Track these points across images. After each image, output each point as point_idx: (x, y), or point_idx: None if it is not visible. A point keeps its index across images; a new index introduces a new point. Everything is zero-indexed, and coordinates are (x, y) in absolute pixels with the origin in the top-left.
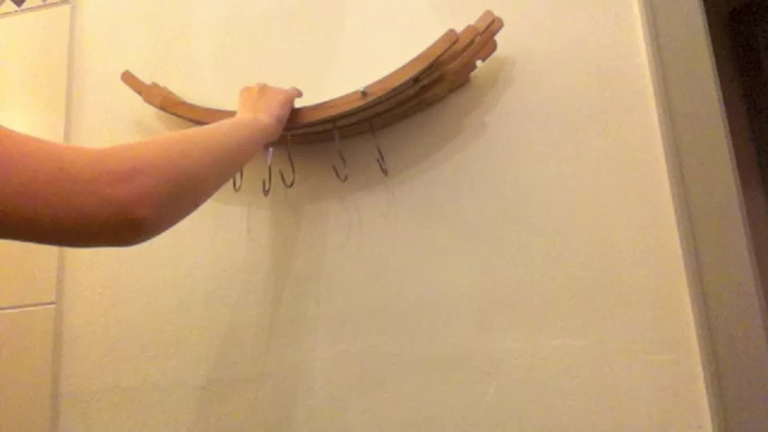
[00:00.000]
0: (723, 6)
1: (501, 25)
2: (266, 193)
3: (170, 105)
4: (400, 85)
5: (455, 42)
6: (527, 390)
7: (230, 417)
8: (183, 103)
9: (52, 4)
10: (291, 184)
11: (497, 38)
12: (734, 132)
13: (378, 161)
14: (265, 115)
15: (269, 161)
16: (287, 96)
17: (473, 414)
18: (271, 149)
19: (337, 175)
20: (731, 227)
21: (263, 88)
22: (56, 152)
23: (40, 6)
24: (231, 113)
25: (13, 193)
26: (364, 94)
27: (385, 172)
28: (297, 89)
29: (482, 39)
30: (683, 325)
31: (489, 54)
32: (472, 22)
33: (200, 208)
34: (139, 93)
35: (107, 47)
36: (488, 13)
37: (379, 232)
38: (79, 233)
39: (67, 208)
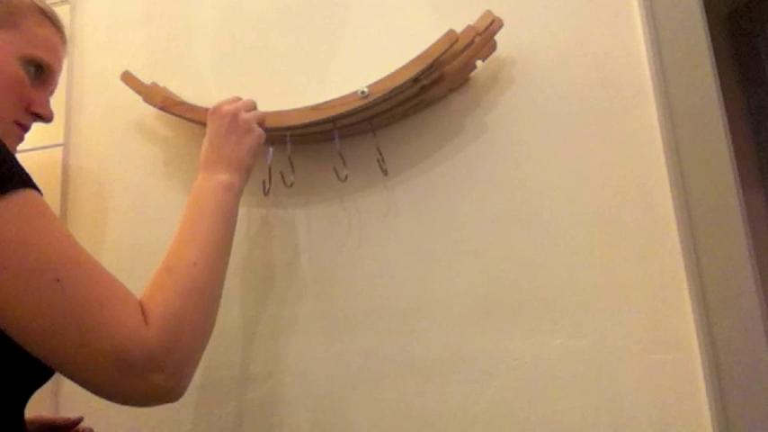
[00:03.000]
0: (723, 6)
1: (501, 25)
2: (266, 193)
3: (170, 105)
4: (400, 86)
5: (455, 42)
6: (527, 390)
7: (230, 417)
8: (183, 103)
9: (52, 4)
10: (291, 185)
11: (497, 38)
12: (734, 132)
13: (378, 161)
14: (233, 171)
15: (269, 161)
16: (257, 140)
17: (473, 414)
18: (271, 150)
19: (337, 176)
20: (731, 227)
21: (234, 119)
22: (115, 339)
23: None
24: None
25: (67, 360)
26: (364, 94)
27: (385, 172)
28: (260, 113)
29: (482, 39)
30: (683, 325)
31: (489, 54)
32: (472, 22)
33: None
34: (139, 93)
35: (107, 47)
36: (488, 13)
37: (379, 232)
38: (117, 401)
39: (112, 390)
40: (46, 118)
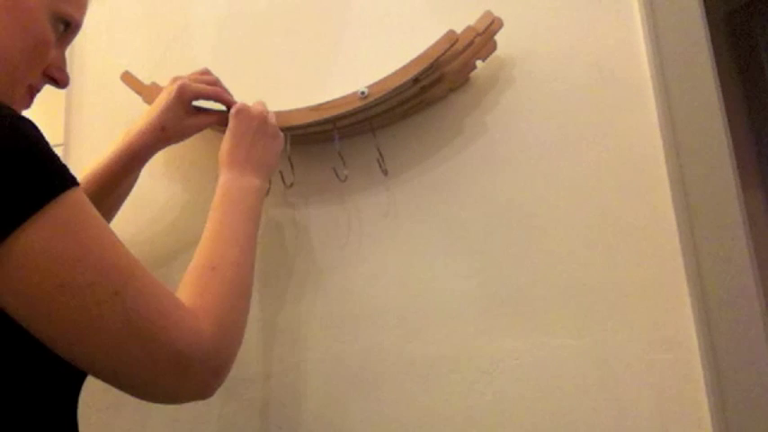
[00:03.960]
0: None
1: (501, 25)
2: (266, 193)
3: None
4: (400, 86)
5: (455, 43)
6: (527, 390)
7: (230, 417)
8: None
9: None
10: (291, 185)
11: (497, 38)
12: (734, 132)
13: (378, 161)
14: (262, 176)
15: None
16: (281, 146)
17: (473, 414)
18: None
19: (337, 176)
20: (731, 227)
21: (264, 122)
22: (176, 344)
23: None
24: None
25: (128, 371)
26: (364, 94)
27: (385, 172)
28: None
29: (482, 39)
30: (683, 325)
31: (489, 54)
32: (472, 22)
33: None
34: (139, 93)
35: (107, 47)
36: (488, 13)
37: (379, 232)
38: (170, 401)
39: (168, 392)
40: (61, 83)
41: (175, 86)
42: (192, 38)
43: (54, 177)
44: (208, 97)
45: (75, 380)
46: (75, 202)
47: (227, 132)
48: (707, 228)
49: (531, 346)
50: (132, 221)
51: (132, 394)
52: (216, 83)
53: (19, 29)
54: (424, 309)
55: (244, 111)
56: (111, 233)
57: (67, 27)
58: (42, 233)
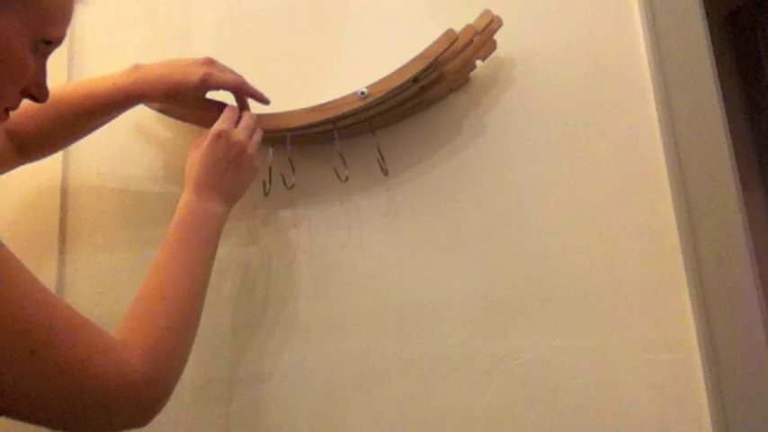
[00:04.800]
0: (723, 6)
1: (500, 24)
2: (266, 193)
3: (169, 108)
4: (400, 86)
5: (454, 42)
6: (527, 390)
7: (230, 417)
8: None
9: None
10: (292, 186)
11: (497, 37)
12: (734, 132)
13: (378, 161)
14: (227, 204)
15: (269, 162)
16: (254, 178)
17: (473, 414)
18: (271, 150)
19: (338, 176)
20: (731, 227)
21: (242, 153)
22: (100, 387)
23: None
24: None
25: (55, 419)
26: (364, 94)
27: (385, 172)
28: (259, 133)
29: (481, 38)
30: (683, 325)
31: (489, 53)
32: (471, 21)
33: None
34: None
35: (107, 47)
36: (487, 12)
37: (379, 232)
38: None
39: (103, 427)
40: (40, 99)
41: (201, 74)
42: (192, 38)
43: None
44: (229, 88)
45: None
46: (7, 253)
47: (201, 153)
48: (707, 228)
49: (531, 346)
50: (132, 223)
51: (62, 430)
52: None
53: None
54: (424, 309)
55: (224, 136)
56: (30, 279)
57: (49, 45)
58: None
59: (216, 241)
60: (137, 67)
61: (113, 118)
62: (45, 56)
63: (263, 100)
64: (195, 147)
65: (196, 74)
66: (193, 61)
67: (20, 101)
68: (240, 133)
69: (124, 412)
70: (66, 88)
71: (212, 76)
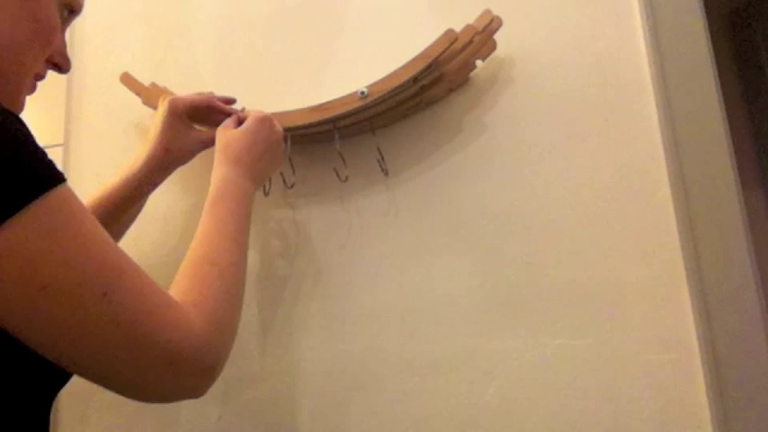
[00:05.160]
0: (723, 6)
1: (500, 24)
2: (267, 193)
3: None
4: (400, 85)
5: (454, 42)
6: (527, 390)
7: (230, 417)
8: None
9: None
10: (292, 186)
11: (497, 37)
12: (734, 132)
13: (378, 161)
14: (257, 186)
15: None
16: (280, 166)
17: (473, 414)
18: None
19: (338, 176)
20: (731, 227)
21: (279, 142)
22: (165, 343)
23: None
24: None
25: (116, 373)
26: (364, 94)
27: (385, 172)
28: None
29: (481, 38)
30: (683, 325)
31: (489, 53)
32: (471, 21)
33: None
34: (138, 94)
35: (107, 47)
36: (487, 12)
37: (379, 232)
38: (159, 400)
39: (161, 391)
40: (64, 68)
41: (166, 103)
42: (191, 38)
43: (39, 175)
44: (200, 104)
45: (55, 382)
46: (61, 200)
47: (244, 131)
48: (707, 228)
49: (531, 346)
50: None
51: (121, 394)
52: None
53: (29, 17)
54: (424, 309)
55: (269, 120)
56: (101, 231)
57: (71, 12)
58: (25, 233)
59: (249, 219)
60: (131, 161)
61: (139, 207)
62: (65, 26)
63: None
64: (227, 127)
65: (162, 110)
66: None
67: (46, 69)
68: (280, 125)
69: (187, 373)
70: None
71: (175, 99)
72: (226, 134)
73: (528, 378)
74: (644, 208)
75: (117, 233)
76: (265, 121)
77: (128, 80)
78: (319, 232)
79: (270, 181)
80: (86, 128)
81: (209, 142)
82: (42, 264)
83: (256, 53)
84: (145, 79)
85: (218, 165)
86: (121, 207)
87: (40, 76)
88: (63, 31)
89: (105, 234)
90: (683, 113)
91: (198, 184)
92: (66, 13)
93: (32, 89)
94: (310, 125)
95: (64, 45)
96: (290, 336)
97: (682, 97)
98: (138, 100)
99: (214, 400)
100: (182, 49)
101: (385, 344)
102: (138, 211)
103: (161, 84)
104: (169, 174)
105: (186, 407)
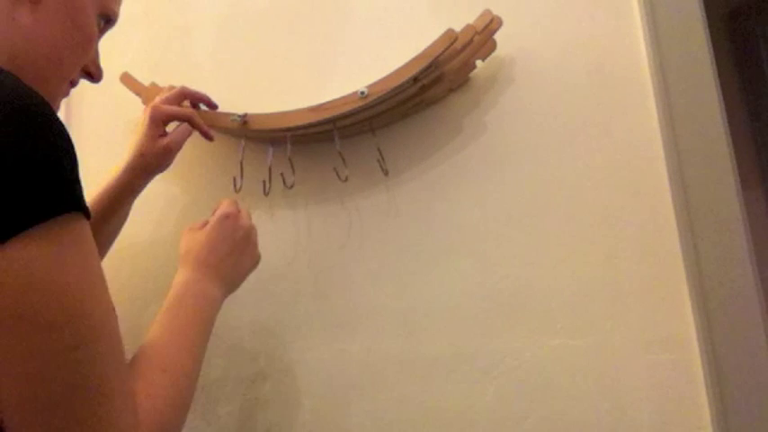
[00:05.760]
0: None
1: (500, 24)
2: (266, 193)
3: None
4: (400, 85)
5: (454, 41)
6: (527, 390)
7: (230, 417)
8: (183, 104)
9: None
10: (292, 186)
11: (497, 37)
12: (734, 132)
13: (378, 161)
14: (225, 291)
15: (269, 162)
16: (254, 267)
17: (473, 414)
18: (271, 150)
19: (338, 176)
20: (731, 227)
21: (248, 238)
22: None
23: None
24: (229, 115)
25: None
26: (364, 94)
27: (385, 172)
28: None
29: (481, 38)
30: (683, 325)
31: (489, 53)
32: (471, 21)
33: (201, 208)
34: (138, 94)
35: (107, 47)
36: (487, 12)
37: (379, 232)
38: None
39: None
40: (96, 77)
41: (147, 110)
42: (191, 38)
43: (63, 195)
44: (180, 119)
45: None
46: (74, 231)
47: (206, 231)
48: (707, 228)
49: (531, 346)
50: (132, 222)
51: None
52: (190, 96)
53: (72, 26)
54: (424, 309)
55: (232, 218)
56: (101, 280)
57: (107, 22)
58: (25, 252)
59: (211, 325)
60: (113, 168)
61: (124, 216)
62: (101, 35)
63: (211, 105)
64: (192, 229)
65: (144, 117)
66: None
67: (79, 77)
68: (246, 218)
69: None
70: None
71: (156, 108)
72: (188, 237)
73: (528, 378)
74: (644, 208)
75: (103, 243)
76: (228, 217)
77: (128, 80)
78: (319, 232)
79: (270, 181)
80: (86, 127)
81: (181, 140)
82: (27, 291)
83: (256, 53)
84: (144, 79)
85: (180, 269)
86: (104, 216)
87: (74, 83)
88: (98, 41)
89: (104, 285)
90: (683, 113)
91: (197, 185)
92: (102, 23)
93: (66, 95)
94: (310, 125)
95: (97, 55)
96: (290, 336)
97: (682, 97)
98: (137, 100)
99: (214, 400)
100: (181, 48)
101: (385, 344)
102: (123, 220)
103: (161, 83)
104: (148, 180)
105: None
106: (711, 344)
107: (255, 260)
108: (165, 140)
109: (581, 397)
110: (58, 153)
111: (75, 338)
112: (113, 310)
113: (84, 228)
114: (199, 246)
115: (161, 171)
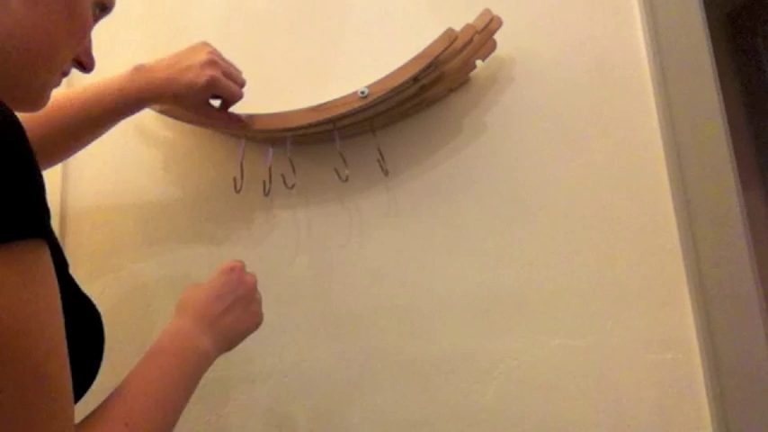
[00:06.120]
0: (723, 6)
1: (500, 24)
2: (267, 193)
3: (170, 109)
4: (400, 85)
5: (454, 41)
6: (527, 390)
7: (230, 417)
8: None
9: None
10: (292, 187)
11: (497, 37)
12: (734, 132)
13: (378, 161)
14: (219, 349)
15: (269, 162)
16: (255, 328)
17: (473, 414)
18: (271, 150)
19: (338, 176)
20: (731, 227)
21: (251, 296)
22: None
23: None
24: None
25: None
26: (364, 94)
27: (386, 172)
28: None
29: (481, 37)
30: (683, 325)
31: (489, 53)
32: (471, 20)
33: (201, 209)
34: None
35: (107, 47)
36: (487, 11)
37: (379, 232)
38: None
39: None
40: (88, 67)
41: (207, 76)
42: (192, 38)
43: (27, 220)
44: (228, 99)
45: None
46: (32, 259)
47: (209, 283)
48: (707, 228)
49: (531, 346)
50: (132, 222)
51: None
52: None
53: (67, 13)
54: (424, 309)
55: (237, 271)
56: (51, 316)
57: (102, 10)
58: None
59: (196, 382)
60: (139, 70)
61: (117, 123)
62: (95, 23)
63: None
64: (195, 285)
65: (201, 77)
66: (198, 63)
67: (71, 66)
68: (252, 276)
69: None
70: (68, 94)
71: (218, 81)
72: (189, 288)
73: (528, 378)
74: (644, 208)
75: (82, 141)
76: (233, 270)
77: None
78: (319, 232)
79: (270, 181)
80: None
81: (210, 125)
82: None
83: (256, 53)
84: None
85: (175, 317)
86: (113, 114)
87: (66, 73)
88: (92, 29)
89: (57, 324)
90: (683, 113)
91: (196, 185)
92: (97, 10)
93: (58, 85)
94: (310, 125)
95: (90, 44)
96: (290, 336)
97: (682, 97)
98: None
99: (214, 400)
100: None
101: (385, 344)
102: (101, 131)
103: None
104: (143, 107)
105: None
106: (711, 344)
107: (257, 321)
108: (207, 118)
109: (581, 397)
110: (22, 177)
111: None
112: (62, 356)
113: (44, 257)
114: (198, 295)
115: (162, 102)
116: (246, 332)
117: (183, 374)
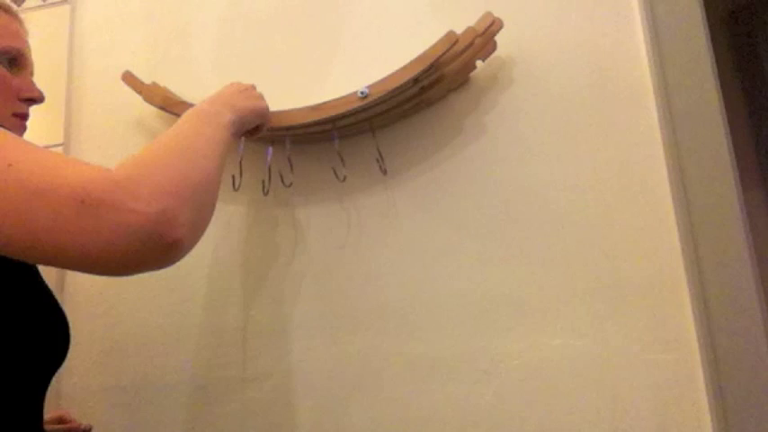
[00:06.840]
0: (723, 6)
1: (501, 26)
2: (266, 193)
3: (170, 105)
4: (400, 86)
5: (455, 44)
6: (527, 390)
7: (230, 417)
8: (183, 103)
9: (52, 4)
10: (290, 185)
11: (497, 37)
12: (734, 132)
13: (377, 161)
14: (238, 116)
15: (268, 161)
16: (265, 110)
17: (473, 414)
18: (270, 149)
19: (336, 176)
20: (731, 227)
21: (251, 89)
22: (75, 181)
23: (39, 6)
24: None
25: (40, 229)
26: (364, 94)
27: (384, 172)
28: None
29: (482, 40)
30: (683, 325)
31: (489, 54)
32: (472, 23)
33: None
34: (139, 93)
35: (107, 47)
36: (488, 14)
37: (378, 232)
38: (110, 264)
39: (95, 242)
40: (38, 99)
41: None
42: (192, 38)
43: None
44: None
45: (47, 366)
46: None
47: (228, 84)
48: (707, 228)
49: (531, 346)
50: None
51: (69, 259)
52: None
53: None
54: (424, 309)
55: (233, 83)
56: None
57: (13, 58)
58: None
59: (222, 148)
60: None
61: None
62: (19, 68)
63: None
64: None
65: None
66: (264, 106)
67: (24, 106)
68: (247, 83)
69: (107, 217)
70: None
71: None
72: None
73: (528, 378)
74: (644, 208)
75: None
76: (233, 83)
77: (129, 79)
78: (318, 232)
79: (269, 180)
80: (86, 127)
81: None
82: None
83: (256, 53)
84: (145, 78)
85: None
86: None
87: (23, 115)
88: (23, 72)
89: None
90: (683, 113)
91: None
92: (6, 60)
93: (21, 127)
94: (310, 125)
95: (30, 82)
96: (290, 336)
97: (682, 97)
98: (138, 98)
99: (214, 400)
100: (182, 48)
101: (385, 344)
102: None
103: (161, 83)
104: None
105: (186, 406)
106: (711, 344)
107: (263, 104)
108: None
109: (581, 397)
110: None
111: (6, 159)
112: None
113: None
114: (207, 98)
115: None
116: (256, 111)
117: (209, 134)
